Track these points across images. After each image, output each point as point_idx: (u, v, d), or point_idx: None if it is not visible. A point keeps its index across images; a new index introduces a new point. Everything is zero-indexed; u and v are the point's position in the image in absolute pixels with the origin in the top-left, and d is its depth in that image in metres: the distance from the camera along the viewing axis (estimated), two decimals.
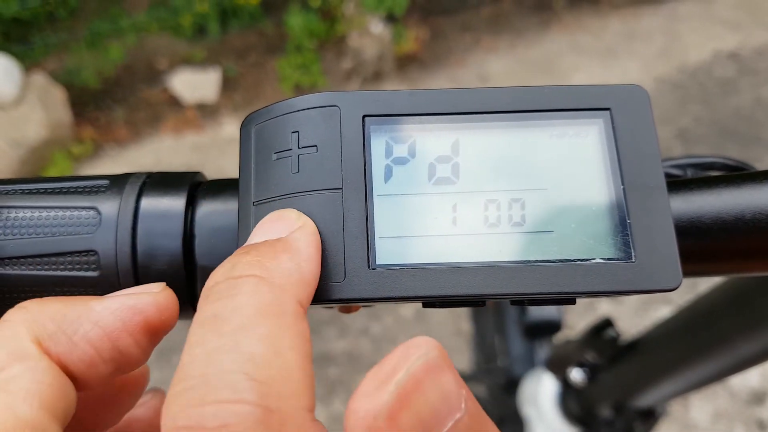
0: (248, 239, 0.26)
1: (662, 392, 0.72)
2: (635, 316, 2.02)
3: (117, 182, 0.32)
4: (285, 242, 0.25)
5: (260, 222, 0.27)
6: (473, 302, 0.27)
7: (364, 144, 0.28)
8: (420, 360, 0.20)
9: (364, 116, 0.28)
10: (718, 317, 0.57)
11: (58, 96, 2.91)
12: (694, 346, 0.62)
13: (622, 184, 0.27)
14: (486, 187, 0.27)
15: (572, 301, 0.28)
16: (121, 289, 0.30)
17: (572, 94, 0.28)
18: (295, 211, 0.27)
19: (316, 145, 0.28)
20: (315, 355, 2.05)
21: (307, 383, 0.21)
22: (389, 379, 0.20)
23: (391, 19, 3.23)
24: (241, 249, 0.25)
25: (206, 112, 3.06)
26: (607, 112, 0.28)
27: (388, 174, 0.28)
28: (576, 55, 3.24)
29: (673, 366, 0.66)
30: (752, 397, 1.89)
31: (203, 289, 0.24)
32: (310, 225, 0.26)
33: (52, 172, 2.74)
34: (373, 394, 0.20)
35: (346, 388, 1.94)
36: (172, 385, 0.21)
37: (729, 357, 0.57)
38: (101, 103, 3.12)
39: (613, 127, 0.28)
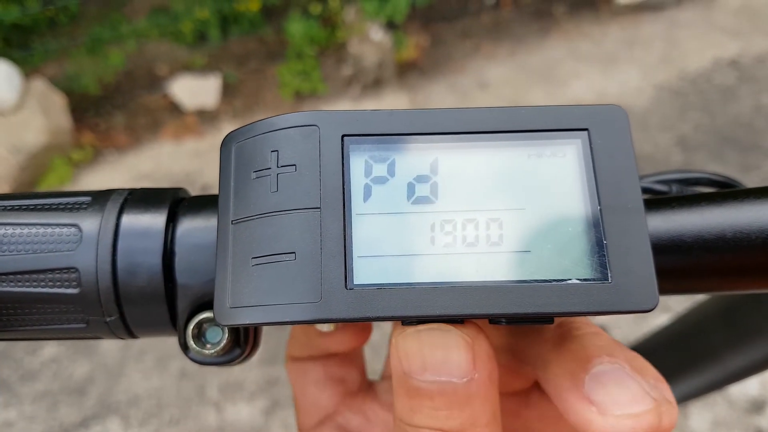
0: (408, 365, 0.27)
1: None
2: (633, 324, 2.01)
3: (99, 199, 0.32)
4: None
5: (422, 347, 0.27)
6: (451, 322, 0.27)
7: (343, 163, 0.28)
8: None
9: (343, 135, 0.28)
10: (708, 330, 0.57)
11: (58, 102, 2.91)
12: (685, 358, 0.62)
13: (599, 204, 0.27)
14: (464, 206, 0.27)
15: (550, 321, 0.28)
16: (101, 305, 0.30)
17: (550, 115, 0.28)
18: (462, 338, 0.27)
19: (295, 165, 0.27)
20: None
21: None
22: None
23: (391, 26, 3.24)
24: (411, 389, 0.27)
25: (206, 118, 3.07)
26: (585, 132, 0.28)
27: (367, 193, 0.28)
28: (576, 62, 3.24)
29: (666, 377, 0.65)
30: (751, 405, 1.88)
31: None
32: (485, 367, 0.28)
33: (52, 178, 2.74)
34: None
35: None
36: None
37: (720, 369, 0.57)
38: (101, 109, 3.13)
39: (591, 148, 0.28)
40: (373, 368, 0.43)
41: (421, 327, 0.27)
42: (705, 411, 1.88)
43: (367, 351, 0.43)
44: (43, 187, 2.73)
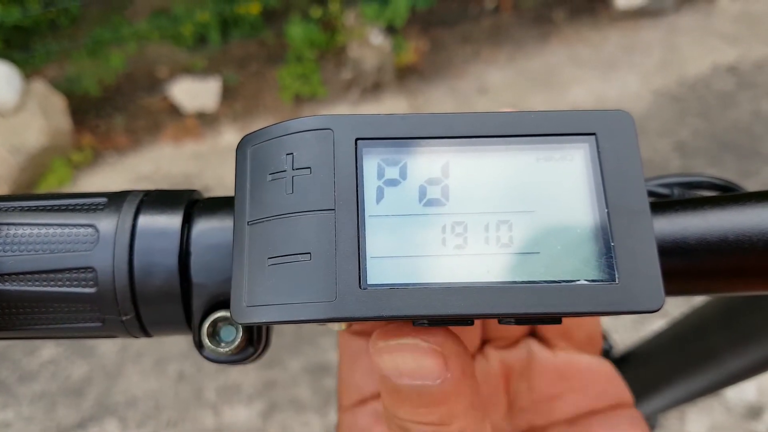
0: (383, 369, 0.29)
1: (654, 404, 0.72)
2: (632, 330, 2.02)
3: (115, 200, 0.33)
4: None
5: (395, 358, 0.29)
6: (462, 321, 0.28)
7: (356, 166, 0.28)
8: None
9: (356, 139, 0.29)
10: (708, 331, 0.58)
11: (58, 103, 2.92)
12: (685, 360, 0.62)
13: (607, 207, 0.27)
14: (475, 208, 0.28)
15: (558, 321, 0.28)
16: (117, 304, 0.31)
17: (559, 119, 0.29)
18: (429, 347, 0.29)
19: (309, 167, 0.28)
20: (312, 366, 2.05)
21: None
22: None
23: (391, 30, 3.25)
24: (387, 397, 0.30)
25: (206, 120, 3.07)
26: (593, 137, 0.29)
27: (380, 195, 0.28)
28: (575, 68, 3.26)
29: (665, 379, 0.66)
30: (748, 411, 1.89)
31: None
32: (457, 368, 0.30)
33: (52, 180, 2.75)
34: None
35: None
36: None
37: (719, 371, 0.58)
38: (101, 110, 3.13)
39: (599, 152, 0.28)
40: None
41: (391, 341, 0.29)
42: (702, 416, 1.88)
43: None
44: (43, 189, 2.74)
